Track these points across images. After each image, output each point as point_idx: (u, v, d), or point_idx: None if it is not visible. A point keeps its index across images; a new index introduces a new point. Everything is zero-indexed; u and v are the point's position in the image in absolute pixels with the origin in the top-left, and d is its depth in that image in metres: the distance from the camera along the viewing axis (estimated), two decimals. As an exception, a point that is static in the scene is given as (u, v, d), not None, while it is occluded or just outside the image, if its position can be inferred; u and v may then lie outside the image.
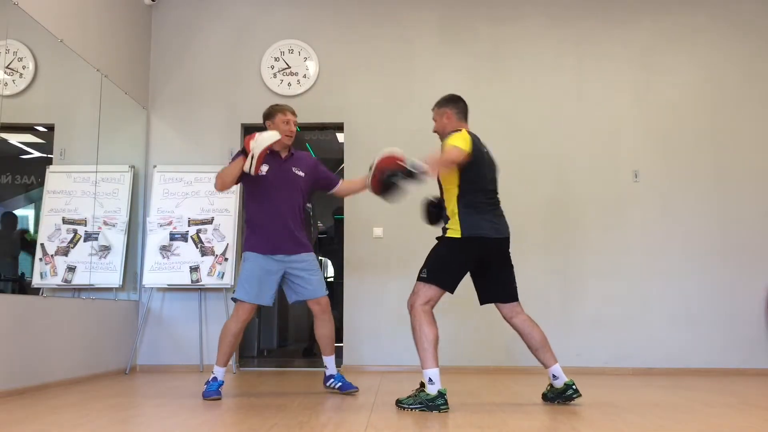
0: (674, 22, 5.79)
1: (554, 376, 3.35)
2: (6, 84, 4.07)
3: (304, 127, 5.90)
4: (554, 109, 5.74)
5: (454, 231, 3.25)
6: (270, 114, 3.80)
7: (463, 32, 5.83)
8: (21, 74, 4.27)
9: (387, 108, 5.74)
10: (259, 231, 3.70)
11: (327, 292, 3.85)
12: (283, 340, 8.15)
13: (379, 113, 5.74)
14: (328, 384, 3.91)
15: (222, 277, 5.32)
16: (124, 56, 5.38)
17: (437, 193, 3.44)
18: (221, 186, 3.61)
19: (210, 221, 5.45)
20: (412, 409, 3.14)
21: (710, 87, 5.71)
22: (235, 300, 3.70)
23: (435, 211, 3.43)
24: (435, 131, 3.52)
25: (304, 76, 5.79)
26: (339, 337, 5.66)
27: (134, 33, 5.59)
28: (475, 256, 3.28)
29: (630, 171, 5.63)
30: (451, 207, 3.28)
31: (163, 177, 5.57)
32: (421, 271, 3.28)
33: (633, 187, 5.61)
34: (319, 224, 9.39)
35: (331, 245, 7.89)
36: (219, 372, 3.69)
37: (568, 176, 5.64)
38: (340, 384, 3.85)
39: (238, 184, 3.78)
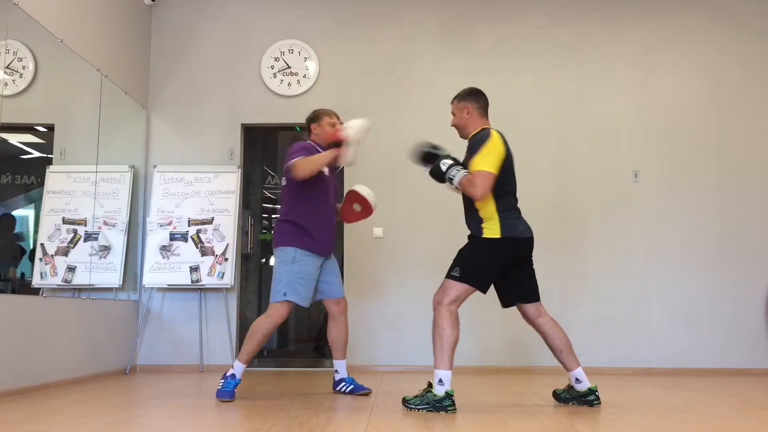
0: (674, 22, 5.80)
1: (577, 379, 3.32)
2: (6, 84, 4.07)
3: (304, 128, 5.89)
4: (554, 109, 5.74)
5: (493, 231, 3.21)
6: (316, 117, 3.81)
7: (463, 32, 5.83)
8: (21, 74, 4.27)
9: (387, 108, 5.74)
10: (314, 232, 3.63)
11: (344, 295, 3.87)
12: (283, 340, 8.16)
13: (379, 113, 5.73)
14: (338, 388, 3.85)
15: (222, 277, 5.32)
16: (124, 56, 5.38)
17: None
18: (304, 174, 3.47)
19: (210, 221, 5.45)
20: (418, 409, 3.12)
21: (710, 87, 5.72)
22: (281, 301, 3.55)
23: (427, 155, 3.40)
24: (454, 125, 3.45)
25: (304, 76, 5.79)
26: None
27: (134, 33, 5.59)
28: (511, 256, 3.27)
29: (630, 171, 5.63)
30: (489, 209, 3.24)
31: (163, 177, 5.57)
32: (451, 269, 3.24)
33: (633, 187, 5.61)
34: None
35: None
36: (239, 369, 3.55)
37: (568, 176, 5.64)
38: (351, 387, 3.80)
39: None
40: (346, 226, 5.63)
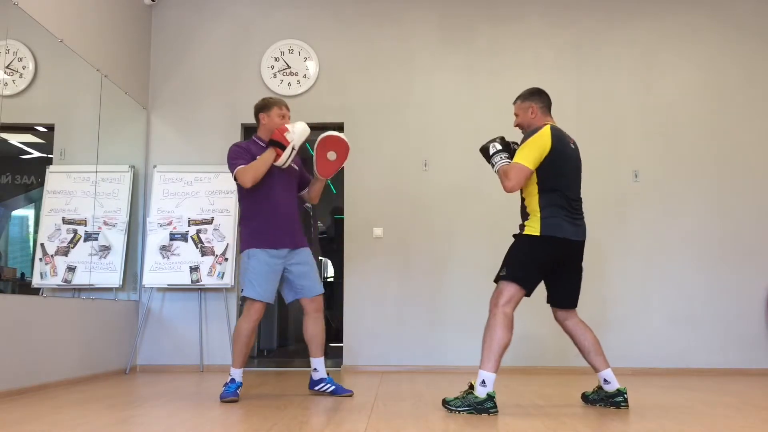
0: (674, 22, 5.80)
1: (606, 380, 3.28)
2: (6, 84, 4.07)
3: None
4: (554, 109, 5.70)
5: (533, 229, 3.16)
6: (265, 106, 3.75)
7: (462, 32, 5.83)
8: (21, 74, 4.27)
9: (387, 107, 5.74)
10: (262, 226, 3.63)
11: (323, 291, 3.77)
12: (283, 340, 8.15)
13: (379, 113, 5.74)
14: (317, 387, 3.73)
15: (222, 277, 5.32)
16: (124, 56, 5.38)
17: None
18: (253, 180, 3.54)
19: (210, 221, 5.45)
20: (459, 411, 3.07)
21: (710, 87, 5.72)
22: (244, 299, 3.62)
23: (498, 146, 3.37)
24: (517, 125, 3.45)
25: (304, 76, 5.79)
26: (339, 337, 5.67)
27: (134, 33, 5.59)
28: (553, 255, 3.18)
29: (630, 171, 5.63)
30: (532, 205, 3.20)
31: (163, 177, 5.57)
32: (500, 270, 3.19)
33: (633, 187, 5.61)
34: (319, 224, 9.41)
35: (331, 245, 7.90)
36: (236, 374, 3.59)
37: (568, 176, 5.63)
38: (333, 388, 3.70)
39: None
40: (347, 226, 5.63)
